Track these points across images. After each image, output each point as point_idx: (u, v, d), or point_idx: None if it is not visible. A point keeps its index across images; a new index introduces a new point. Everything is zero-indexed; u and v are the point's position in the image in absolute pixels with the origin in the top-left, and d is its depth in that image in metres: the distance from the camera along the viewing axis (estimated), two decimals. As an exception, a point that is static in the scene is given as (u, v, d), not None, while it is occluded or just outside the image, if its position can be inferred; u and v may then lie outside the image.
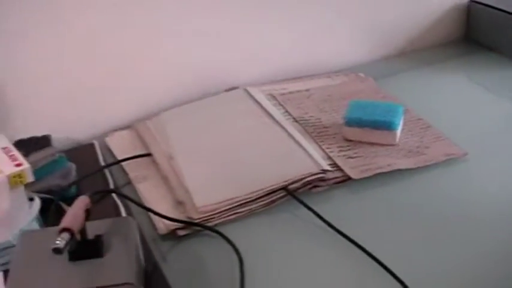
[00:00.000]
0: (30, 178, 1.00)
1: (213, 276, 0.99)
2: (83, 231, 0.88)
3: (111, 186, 1.18)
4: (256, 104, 1.38)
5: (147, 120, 1.35)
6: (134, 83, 1.39)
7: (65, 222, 0.85)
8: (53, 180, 1.14)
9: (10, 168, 0.98)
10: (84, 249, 0.89)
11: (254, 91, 1.43)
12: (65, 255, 0.89)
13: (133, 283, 0.85)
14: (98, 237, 0.90)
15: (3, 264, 1.02)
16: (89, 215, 0.89)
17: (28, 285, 0.87)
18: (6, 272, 1.00)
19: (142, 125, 1.34)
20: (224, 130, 1.31)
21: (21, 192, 1.02)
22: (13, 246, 0.99)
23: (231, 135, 1.29)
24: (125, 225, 0.95)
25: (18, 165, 0.99)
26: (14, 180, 0.98)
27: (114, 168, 1.24)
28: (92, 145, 1.33)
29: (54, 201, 1.12)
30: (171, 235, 1.07)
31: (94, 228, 0.90)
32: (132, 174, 1.21)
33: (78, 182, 1.17)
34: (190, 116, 1.35)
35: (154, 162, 1.23)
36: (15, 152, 1.02)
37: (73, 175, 1.17)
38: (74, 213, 0.87)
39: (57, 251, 0.81)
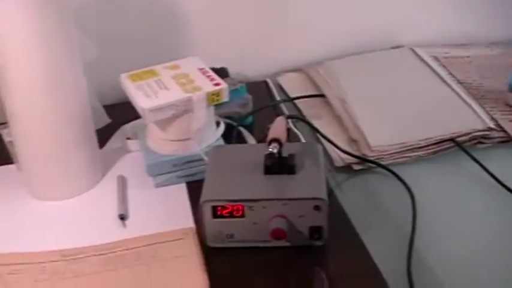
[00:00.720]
0: (226, 98, 1.06)
1: (385, 210, 1.04)
2: (280, 149, 0.93)
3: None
4: (421, 63, 1.42)
5: (317, 66, 1.39)
6: (308, 30, 1.48)
7: (273, 134, 0.91)
8: (233, 108, 1.20)
9: (209, 87, 1.05)
10: (278, 165, 0.94)
11: (419, 51, 1.46)
12: (260, 169, 0.95)
13: (325, 199, 0.90)
14: (291, 156, 0.95)
15: (187, 176, 1.09)
16: (288, 134, 0.94)
17: (224, 192, 0.94)
18: (189, 184, 1.07)
19: (313, 69, 1.40)
20: (392, 82, 1.37)
21: (212, 112, 1.09)
22: (200, 159, 1.05)
23: (399, 87, 1.34)
24: (313, 150, 1.01)
25: (217, 84, 1.06)
26: (212, 98, 1.05)
27: (286, 104, 1.30)
28: (265, 82, 1.39)
29: (234, 127, 1.18)
30: (346, 168, 1.11)
31: (286, 149, 0.96)
32: (306, 112, 1.27)
33: (254, 113, 1.23)
34: (359, 66, 1.42)
35: (327, 103, 1.28)
36: (212, 73, 1.08)
37: (250, 106, 1.23)
38: (278, 128, 0.93)
39: (271, 155, 0.88)
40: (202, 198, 0.91)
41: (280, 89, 1.38)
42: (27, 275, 0.94)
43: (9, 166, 1.20)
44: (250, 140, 1.17)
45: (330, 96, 1.29)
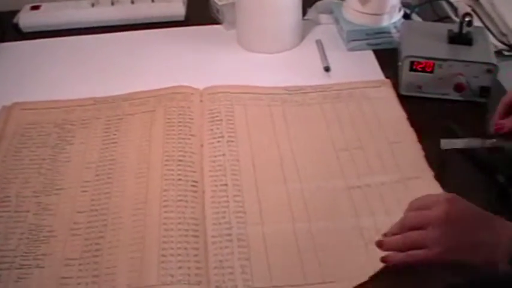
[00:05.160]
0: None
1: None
2: (461, 24, 1.24)
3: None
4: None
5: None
6: None
7: (464, 10, 1.21)
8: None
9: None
10: (460, 37, 1.25)
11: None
12: (444, 39, 1.25)
13: (496, 64, 1.20)
14: (469, 32, 1.25)
15: (375, 44, 1.40)
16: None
17: (420, 51, 1.25)
18: (375, 51, 1.38)
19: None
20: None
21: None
22: (388, 32, 1.37)
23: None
24: (482, 32, 1.30)
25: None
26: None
27: (441, 3, 1.59)
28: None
29: (407, 13, 1.49)
30: (497, 53, 1.38)
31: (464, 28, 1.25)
32: (461, 9, 1.56)
33: (422, 4, 1.53)
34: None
35: (477, 5, 1.56)
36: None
37: None
38: (466, 9, 1.23)
39: (470, 23, 1.18)
40: (403, 54, 1.22)
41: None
42: (262, 101, 1.24)
43: (216, 26, 1.53)
44: (420, 23, 1.46)
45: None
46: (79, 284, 0.90)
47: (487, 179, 1.06)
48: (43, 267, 0.94)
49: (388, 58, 1.35)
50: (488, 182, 1.06)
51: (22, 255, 0.96)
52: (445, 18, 1.49)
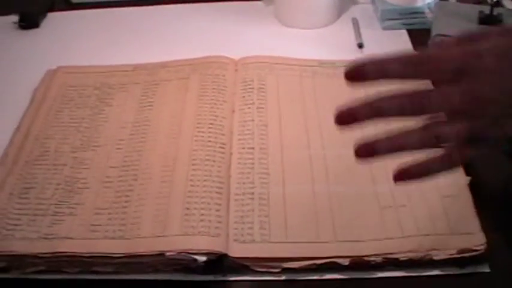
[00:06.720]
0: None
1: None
2: (492, 5, 1.27)
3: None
4: None
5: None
6: None
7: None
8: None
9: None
10: (489, 19, 1.28)
11: None
12: (474, 20, 1.28)
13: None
14: (500, 14, 1.28)
15: (409, 24, 1.43)
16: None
17: (449, 31, 1.25)
18: (409, 31, 1.42)
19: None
20: None
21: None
22: (422, 12, 1.41)
23: None
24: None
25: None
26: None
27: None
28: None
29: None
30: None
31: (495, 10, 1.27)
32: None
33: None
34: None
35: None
36: None
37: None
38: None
39: (498, 3, 1.21)
40: (433, 33, 1.26)
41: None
42: (294, 71, 1.29)
43: (256, 2, 1.59)
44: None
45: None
46: (107, 231, 0.95)
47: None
48: (75, 215, 0.99)
49: (421, 38, 1.38)
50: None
51: (56, 204, 1.01)
52: (481, 2, 1.49)
